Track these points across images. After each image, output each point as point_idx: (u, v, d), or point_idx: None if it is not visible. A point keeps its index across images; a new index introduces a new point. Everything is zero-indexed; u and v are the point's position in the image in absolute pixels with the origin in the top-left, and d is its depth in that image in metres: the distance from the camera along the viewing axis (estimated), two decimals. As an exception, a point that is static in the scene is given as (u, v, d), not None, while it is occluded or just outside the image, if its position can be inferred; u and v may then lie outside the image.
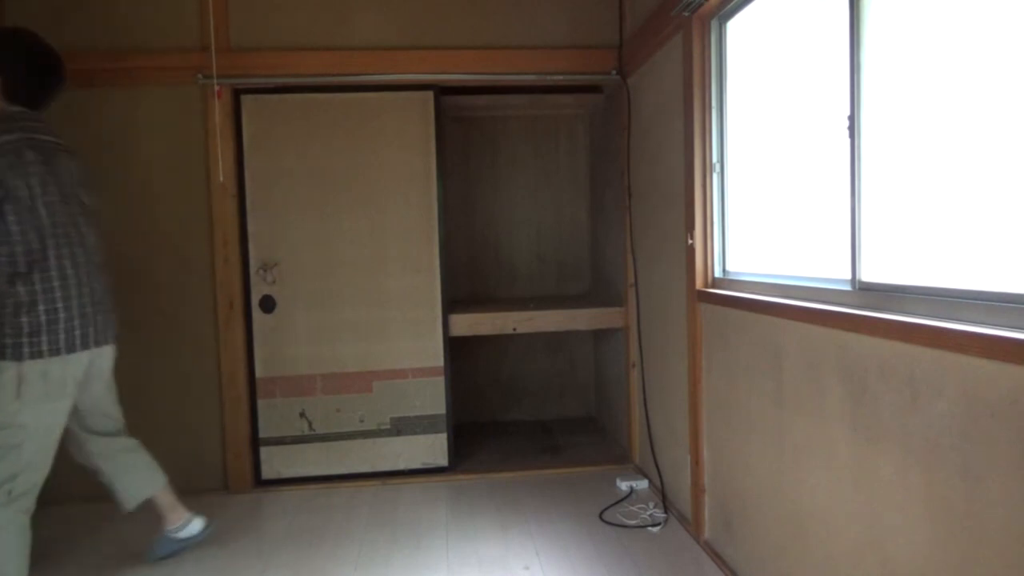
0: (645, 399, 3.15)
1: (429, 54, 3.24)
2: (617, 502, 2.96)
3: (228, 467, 3.22)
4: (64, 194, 2.21)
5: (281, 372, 3.26)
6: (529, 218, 4.26)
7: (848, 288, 1.72)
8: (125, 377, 3.16)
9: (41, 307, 2.13)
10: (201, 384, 3.21)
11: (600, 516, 2.82)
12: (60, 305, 2.16)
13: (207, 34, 3.09)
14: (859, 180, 1.68)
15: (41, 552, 2.65)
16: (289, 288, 3.24)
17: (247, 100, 3.19)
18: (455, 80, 3.26)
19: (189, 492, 3.17)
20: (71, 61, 3.06)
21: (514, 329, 3.43)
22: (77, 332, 2.21)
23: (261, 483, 3.27)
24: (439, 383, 3.36)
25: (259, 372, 3.26)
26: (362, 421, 3.29)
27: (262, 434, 3.27)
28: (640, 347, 3.25)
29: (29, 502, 2.14)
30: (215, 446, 3.22)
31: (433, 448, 3.37)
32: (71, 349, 2.19)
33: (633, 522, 2.76)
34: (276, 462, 3.28)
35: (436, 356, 3.36)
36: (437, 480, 3.30)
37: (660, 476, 2.98)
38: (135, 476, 2.50)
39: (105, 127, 3.13)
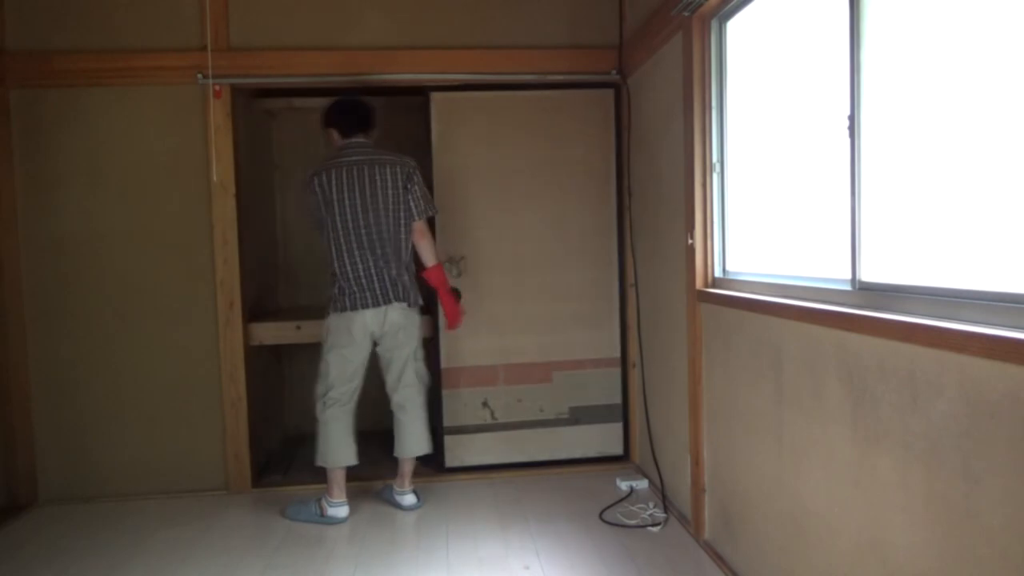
0: (645, 399, 3.16)
1: (428, 54, 3.23)
2: (617, 502, 2.96)
3: (228, 467, 3.21)
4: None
5: (465, 363, 3.33)
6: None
7: (848, 288, 1.72)
8: (126, 376, 3.20)
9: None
10: (202, 384, 3.20)
11: (600, 516, 2.82)
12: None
13: (206, 33, 3.09)
14: (859, 180, 1.68)
15: (41, 552, 2.66)
16: (473, 280, 3.30)
17: (436, 98, 3.23)
18: (454, 80, 3.25)
19: (188, 492, 3.19)
20: (71, 61, 3.09)
21: (515, 329, 3.44)
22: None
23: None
24: (615, 373, 3.42)
25: (444, 363, 3.33)
26: (542, 410, 3.37)
27: (446, 423, 3.33)
28: (640, 347, 3.25)
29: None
30: (215, 446, 3.21)
31: (608, 437, 3.42)
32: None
33: (633, 522, 2.76)
34: (459, 450, 3.34)
35: (613, 347, 3.42)
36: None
37: (660, 476, 2.98)
38: None
39: (105, 127, 3.13)
